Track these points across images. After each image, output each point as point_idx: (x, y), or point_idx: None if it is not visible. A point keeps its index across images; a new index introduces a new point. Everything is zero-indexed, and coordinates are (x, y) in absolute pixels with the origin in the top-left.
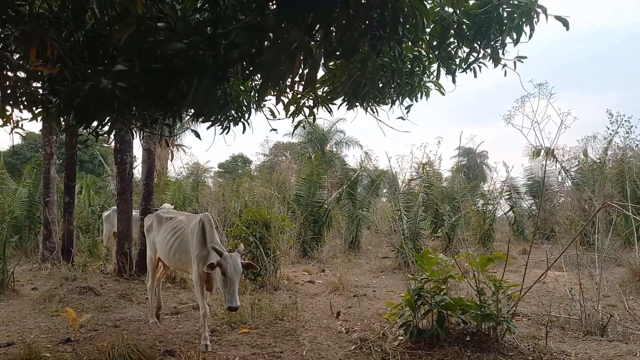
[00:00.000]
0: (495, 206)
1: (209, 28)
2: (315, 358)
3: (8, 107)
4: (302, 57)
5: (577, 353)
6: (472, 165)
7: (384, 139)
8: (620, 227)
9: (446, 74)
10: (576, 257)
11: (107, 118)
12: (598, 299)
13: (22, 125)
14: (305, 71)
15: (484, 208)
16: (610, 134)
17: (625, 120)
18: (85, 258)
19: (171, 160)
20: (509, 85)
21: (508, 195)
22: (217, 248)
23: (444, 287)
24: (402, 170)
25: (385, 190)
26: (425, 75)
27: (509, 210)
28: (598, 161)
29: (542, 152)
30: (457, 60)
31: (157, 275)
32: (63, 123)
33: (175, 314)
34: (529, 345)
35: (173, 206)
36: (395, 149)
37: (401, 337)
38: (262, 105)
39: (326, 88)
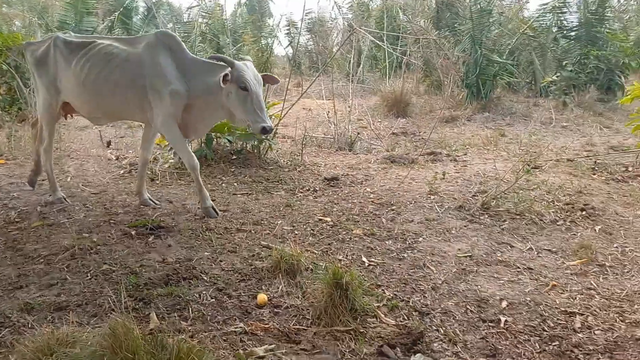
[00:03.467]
0: (273, 40)
1: None
2: (80, 183)
3: None
4: None
5: (326, 164)
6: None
7: None
8: (382, 62)
9: None
10: (332, 86)
11: None
12: (349, 120)
13: None
14: None
15: (265, 42)
16: None
17: None
18: None
19: None
20: None
21: (287, 30)
22: (223, 57)
23: None
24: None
25: (165, 22)
26: None
27: (287, 46)
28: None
29: None
30: None
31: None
32: None
33: None
34: (287, 160)
35: None
36: None
37: (172, 160)
38: None
39: None
